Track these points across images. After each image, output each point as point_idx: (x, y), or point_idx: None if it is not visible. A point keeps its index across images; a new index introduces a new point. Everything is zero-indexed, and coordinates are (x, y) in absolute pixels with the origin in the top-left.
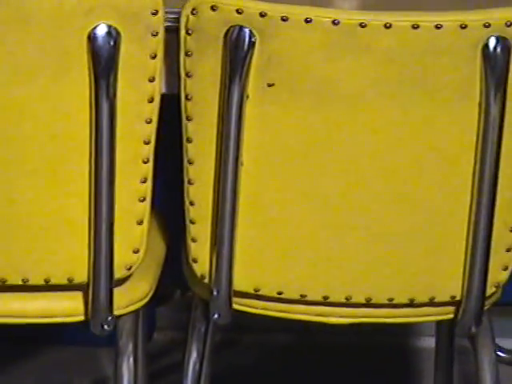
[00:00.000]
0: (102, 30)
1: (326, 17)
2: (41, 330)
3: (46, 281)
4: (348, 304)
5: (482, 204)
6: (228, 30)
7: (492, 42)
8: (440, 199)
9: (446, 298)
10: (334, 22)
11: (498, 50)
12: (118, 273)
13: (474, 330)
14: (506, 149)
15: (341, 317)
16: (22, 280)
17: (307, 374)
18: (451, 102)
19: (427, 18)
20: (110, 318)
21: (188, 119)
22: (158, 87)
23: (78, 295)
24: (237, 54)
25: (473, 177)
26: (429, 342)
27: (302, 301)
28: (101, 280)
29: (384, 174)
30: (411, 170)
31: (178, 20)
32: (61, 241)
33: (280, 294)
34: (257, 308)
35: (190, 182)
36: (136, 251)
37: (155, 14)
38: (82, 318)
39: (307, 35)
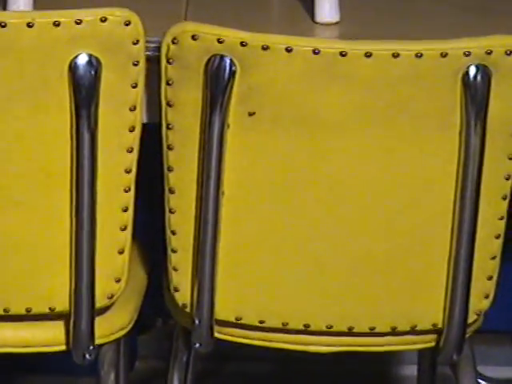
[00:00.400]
0: (82, 60)
1: (306, 46)
2: (22, 358)
3: (28, 310)
4: (330, 332)
5: (463, 232)
6: (209, 59)
7: (472, 71)
8: (421, 228)
9: (428, 326)
10: (315, 51)
11: (479, 78)
12: (100, 302)
13: (455, 357)
14: (487, 178)
15: (322, 345)
16: (4, 310)
17: None
18: (432, 130)
19: (407, 47)
20: (91, 348)
21: (169, 148)
22: (139, 116)
23: (60, 324)
24: (218, 83)
25: (454, 205)
26: (411, 370)
27: (284, 329)
28: (82, 309)
29: (365, 201)
30: (392, 198)
31: (158, 49)
32: (42, 270)
33: (261, 322)
34: (238, 337)
35: (171, 211)
36: (117, 280)
37: (136, 43)
38: (63, 347)
39: (288, 64)
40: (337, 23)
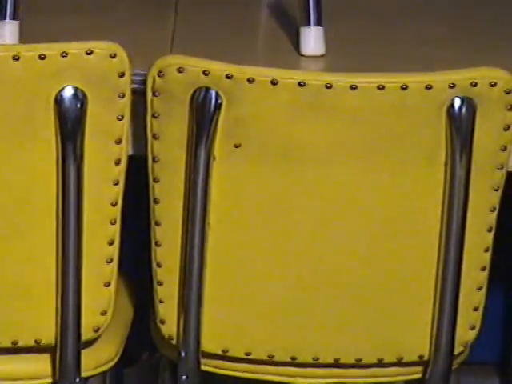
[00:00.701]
0: (68, 92)
1: (292, 78)
2: None
3: (14, 343)
4: (316, 364)
5: (449, 264)
6: (194, 92)
7: (457, 103)
8: (407, 260)
9: (414, 358)
10: (300, 84)
11: (463, 110)
12: (86, 335)
13: None
14: (473, 210)
15: (309, 377)
16: None
17: None
18: (417, 163)
19: (393, 79)
20: (77, 380)
21: (155, 181)
22: (125, 149)
23: (46, 357)
24: (203, 115)
25: (440, 237)
26: None
27: (270, 361)
28: (68, 342)
29: (350, 235)
30: (378, 232)
31: (144, 82)
32: (28, 303)
33: (248, 354)
34: (225, 369)
35: (157, 244)
36: (103, 313)
37: (122, 76)
38: (49, 380)
39: (273, 97)
40: (322, 56)
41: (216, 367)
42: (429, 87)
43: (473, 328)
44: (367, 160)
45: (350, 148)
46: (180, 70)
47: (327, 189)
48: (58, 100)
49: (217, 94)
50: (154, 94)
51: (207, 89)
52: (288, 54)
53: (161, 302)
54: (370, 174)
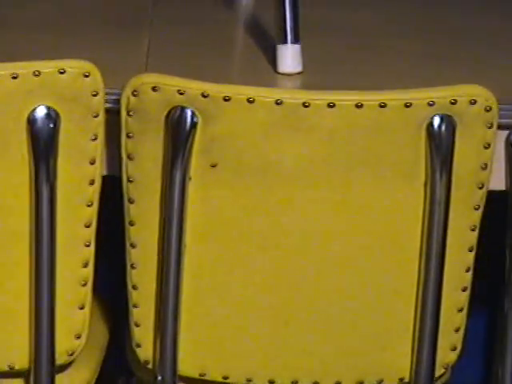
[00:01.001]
0: (41, 112)
1: (268, 96)
2: None
3: None
4: None
5: (429, 285)
6: (170, 111)
7: (436, 121)
8: (386, 280)
9: (395, 380)
10: (277, 102)
11: (443, 128)
12: (60, 359)
13: None
14: (453, 229)
15: None
16: None
17: None
18: (396, 181)
19: (371, 97)
20: None
21: (130, 201)
22: (99, 169)
23: (20, 382)
24: (179, 135)
25: (420, 257)
26: None
27: None
28: (42, 366)
29: (329, 254)
30: (357, 251)
31: (118, 101)
32: (1, 327)
33: (226, 378)
34: None
35: (132, 266)
36: (78, 337)
37: (95, 95)
38: None
39: (250, 115)
40: (299, 73)
41: None
42: (408, 105)
43: (454, 349)
44: (345, 179)
45: (327, 167)
46: (155, 89)
47: (305, 209)
48: (31, 120)
49: (192, 112)
50: (128, 114)
51: (183, 108)
52: (265, 72)
53: (136, 325)
54: (348, 193)
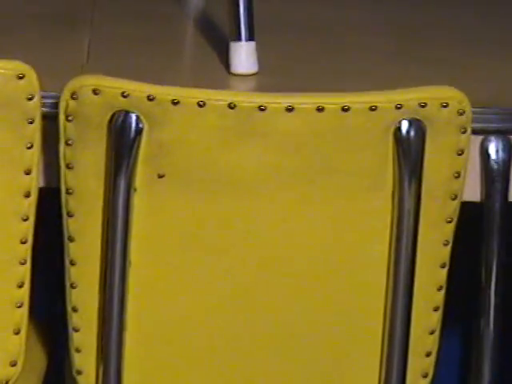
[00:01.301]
0: None
1: (221, 99)
2: None
3: None
4: None
5: (398, 304)
6: (112, 116)
7: (405, 125)
8: (351, 301)
9: None
10: (230, 106)
11: (412, 133)
12: None
13: None
14: (423, 243)
15: None
16: None
17: None
18: (361, 191)
19: (333, 100)
20: None
21: (69, 215)
22: (36, 180)
23: None
24: (123, 142)
25: (387, 274)
26: None
27: None
28: None
29: (287, 271)
30: (317, 268)
31: (56, 105)
32: None
33: None
34: None
35: (72, 286)
36: (13, 364)
37: (31, 99)
38: None
39: (201, 120)
40: (255, 74)
41: None
42: (373, 108)
43: (425, 376)
44: (305, 189)
45: (286, 176)
46: (96, 92)
47: (261, 221)
48: None
49: (137, 117)
50: (67, 119)
51: (126, 112)
52: (217, 73)
53: (77, 350)
54: (308, 204)
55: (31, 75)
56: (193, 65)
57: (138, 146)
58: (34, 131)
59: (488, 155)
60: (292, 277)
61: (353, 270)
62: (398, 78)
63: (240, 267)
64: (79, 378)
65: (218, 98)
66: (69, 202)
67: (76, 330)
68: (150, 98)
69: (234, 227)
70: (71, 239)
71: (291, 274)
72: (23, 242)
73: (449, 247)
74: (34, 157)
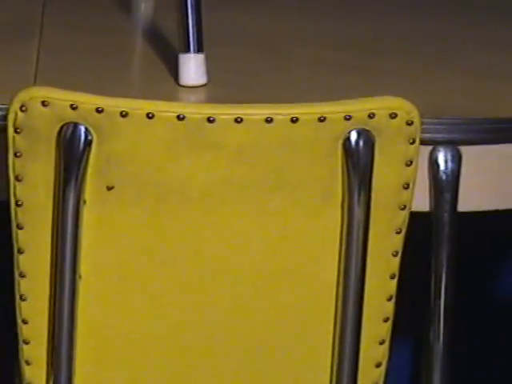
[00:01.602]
0: None
1: (169, 111)
2: None
3: None
4: None
5: (347, 314)
6: (61, 128)
7: (353, 136)
8: (300, 312)
9: None
10: (179, 117)
11: (361, 144)
12: None
13: None
14: (373, 254)
15: None
16: None
17: None
18: (311, 202)
19: (281, 111)
20: None
21: (18, 227)
22: None
23: None
24: (71, 154)
25: (337, 285)
26: None
27: None
28: None
29: (238, 285)
30: (268, 281)
31: (5, 117)
32: None
33: None
34: None
35: (22, 298)
36: None
37: None
38: None
39: (150, 132)
40: (204, 85)
41: None
42: (322, 119)
43: None
44: (254, 200)
45: (234, 188)
46: (44, 104)
47: (211, 234)
48: None
49: (86, 129)
50: (15, 131)
51: (75, 124)
52: (165, 85)
53: (27, 363)
54: (258, 216)
55: None
56: (142, 77)
57: (87, 158)
58: None
59: (437, 165)
60: (244, 289)
61: (303, 281)
62: (347, 89)
63: (192, 281)
64: None
65: (166, 109)
66: (18, 215)
67: (26, 343)
68: (99, 110)
69: (185, 240)
70: (21, 251)
71: (243, 286)
72: None
73: (398, 258)
74: None
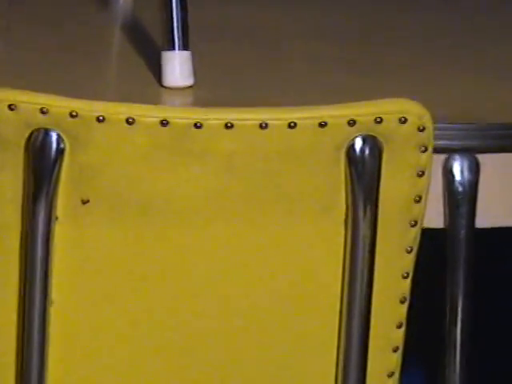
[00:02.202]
0: None
1: (152, 116)
2: None
3: None
4: None
5: (352, 345)
6: (31, 135)
7: (358, 144)
8: (299, 340)
9: None
10: (163, 123)
11: (367, 152)
12: None
13: None
14: (380, 277)
15: None
16: None
17: None
18: (310, 218)
19: (278, 115)
20: None
21: None
22: None
23: None
24: (42, 163)
25: (340, 312)
26: None
27: None
28: None
29: (229, 307)
30: (262, 299)
31: None
32: None
33: None
34: None
35: None
36: None
37: None
38: None
39: (129, 139)
40: (190, 87)
41: None
42: (323, 124)
43: None
44: (248, 214)
45: (225, 200)
46: (12, 108)
47: (199, 251)
48: None
49: (58, 136)
50: None
51: (46, 130)
52: (147, 86)
53: None
54: (252, 233)
55: None
56: (121, 77)
57: (60, 169)
58: None
59: (452, 176)
60: (237, 317)
61: (302, 304)
62: (350, 90)
63: (178, 306)
64: None
65: (148, 113)
66: None
67: None
68: (73, 115)
69: (170, 261)
70: None
71: (236, 311)
72: None
73: (409, 280)
74: None
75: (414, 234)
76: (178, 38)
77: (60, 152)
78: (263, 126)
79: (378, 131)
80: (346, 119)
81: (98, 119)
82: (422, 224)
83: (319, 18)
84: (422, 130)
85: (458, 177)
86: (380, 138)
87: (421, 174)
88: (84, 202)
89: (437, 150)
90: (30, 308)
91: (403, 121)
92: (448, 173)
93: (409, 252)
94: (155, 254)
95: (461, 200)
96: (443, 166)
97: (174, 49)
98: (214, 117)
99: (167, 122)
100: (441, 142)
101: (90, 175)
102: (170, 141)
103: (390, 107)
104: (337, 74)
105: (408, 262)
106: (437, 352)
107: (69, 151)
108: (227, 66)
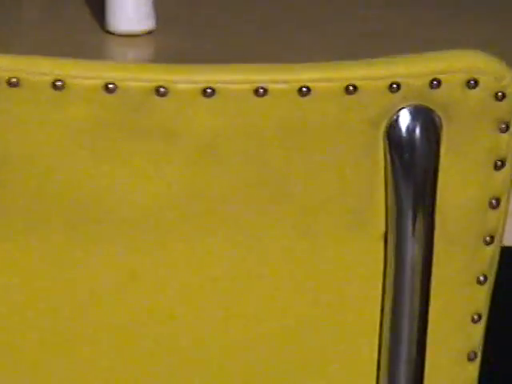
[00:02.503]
0: None
1: (91, 77)
2: None
3: None
4: None
5: None
6: None
7: (404, 119)
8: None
9: None
10: (108, 87)
11: (417, 132)
12: None
13: None
14: (436, 316)
15: None
16: None
17: None
18: (329, 228)
19: (282, 77)
20: None
21: None
22: None
23: None
24: None
25: (378, 362)
26: None
27: None
28: None
29: (224, 340)
30: (277, 341)
31: None
32: None
33: None
34: None
35: None
36: None
37: None
38: None
39: (57, 113)
40: (148, 33)
41: None
42: (351, 90)
43: None
44: (239, 224)
45: (204, 204)
46: None
47: (161, 278)
48: None
49: None
50: None
51: None
52: (87, 33)
53: None
54: (242, 247)
55: None
56: (50, 22)
57: None
58: None
59: None
60: (230, 347)
61: (327, 349)
62: (387, 37)
63: (146, 339)
64: None
65: (86, 73)
66: None
67: None
68: None
69: (114, 290)
70: None
71: (229, 343)
72: None
73: (481, 324)
74: None
75: (489, 256)
76: None
77: None
78: (260, 92)
79: (433, 100)
80: (385, 82)
81: (8, 82)
82: (500, 240)
83: None
84: (500, 98)
85: None
86: (438, 112)
87: (500, 166)
88: None
89: None
90: None
91: (473, 84)
92: None
93: (482, 283)
94: (94, 280)
95: None
96: None
97: None
98: (187, 78)
99: (115, 87)
100: None
101: (4, 168)
102: (118, 115)
103: (453, 63)
104: (364, 12)
105: (480, 296)
106: None
107: None
108: (207, 7)
